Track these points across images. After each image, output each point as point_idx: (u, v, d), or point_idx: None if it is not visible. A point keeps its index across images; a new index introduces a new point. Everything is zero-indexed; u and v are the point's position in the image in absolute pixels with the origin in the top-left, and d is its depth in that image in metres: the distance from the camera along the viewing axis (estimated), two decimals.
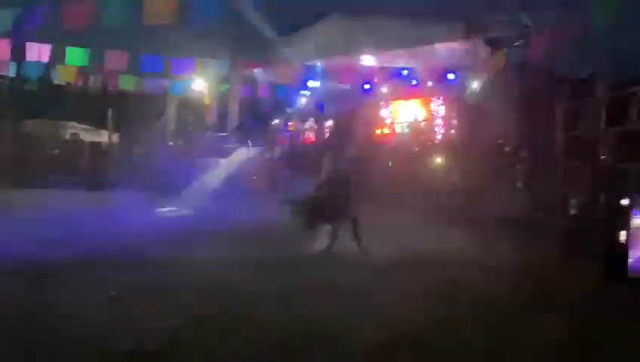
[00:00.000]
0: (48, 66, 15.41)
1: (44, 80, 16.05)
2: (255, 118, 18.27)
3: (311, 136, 17.44)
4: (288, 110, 18.34)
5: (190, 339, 3.50)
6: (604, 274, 5.06)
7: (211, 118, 18.54)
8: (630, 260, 4.79)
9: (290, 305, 4.26)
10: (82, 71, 16.10)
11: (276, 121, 18.29)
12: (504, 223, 7.81)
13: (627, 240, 4.74)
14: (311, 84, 16.77)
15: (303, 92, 17.55)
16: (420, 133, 14.69)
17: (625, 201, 4.00)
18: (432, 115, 15.20)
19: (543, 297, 4.64)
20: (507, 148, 10.41)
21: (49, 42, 14.10)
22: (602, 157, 8.11)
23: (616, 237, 4.78)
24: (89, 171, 14.52)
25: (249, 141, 16.53)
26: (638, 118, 6.83)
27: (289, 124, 18.12)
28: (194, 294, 4.48)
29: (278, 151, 16.17)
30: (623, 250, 4.78)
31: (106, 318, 3.82)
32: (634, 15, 10.38)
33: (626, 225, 4.69)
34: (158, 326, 3.67)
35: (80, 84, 16.79)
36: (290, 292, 4.64)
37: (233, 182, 14.24)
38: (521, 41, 12.11)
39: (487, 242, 6.75)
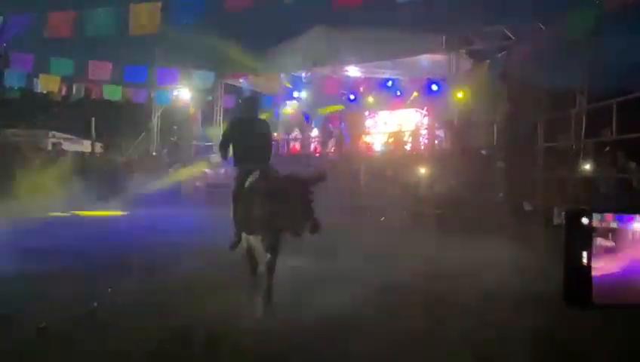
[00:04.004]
0: (31, 76, 15.31)
1: (27, 89, 15.91)
2: None
3: (296, 145, 17.48)
4: (274, 120, 18.34)
5: None
6: (564, 300, 4.78)
7: (197, 127, 18.48)
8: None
9: None
10: (65, 80, 15.98)
11: None
12: (479, 232, 7.74)
13: (589, 262, 4.35)
14: (296, 94, 16.81)
15: (288, 102, 17.57)
16: (405, 143, 14.82)
17: (585, 219, 3.43)
18: (417, 125, 15.37)
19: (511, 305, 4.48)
20: (488, 159, 10.52)
21: (32, 52, 14.02)
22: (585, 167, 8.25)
23: (579, 258, 4.35)
24: (70, 181, 14.36)
25: None
26: (617, 129, 6.98)
27: (274, 134, 18.13)
28: None
29: None
30: (586, 273, 4.39)
31: None
32: (611, 29, 10.64)
33: (588, 246, 4.31)
34: None
35: (63, 93, 16.65)
36: None
37: (218, 192, 14.14)
38: (503, 53, 12.28)
39: (454, 251, 6.66)
